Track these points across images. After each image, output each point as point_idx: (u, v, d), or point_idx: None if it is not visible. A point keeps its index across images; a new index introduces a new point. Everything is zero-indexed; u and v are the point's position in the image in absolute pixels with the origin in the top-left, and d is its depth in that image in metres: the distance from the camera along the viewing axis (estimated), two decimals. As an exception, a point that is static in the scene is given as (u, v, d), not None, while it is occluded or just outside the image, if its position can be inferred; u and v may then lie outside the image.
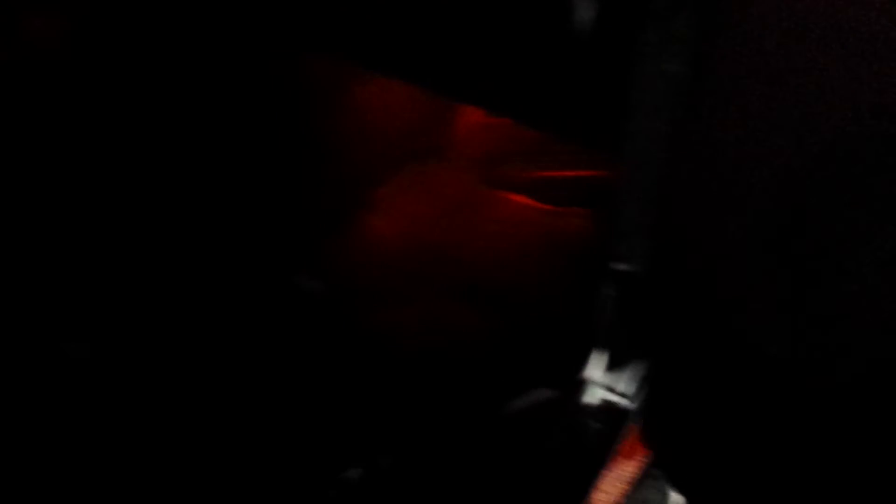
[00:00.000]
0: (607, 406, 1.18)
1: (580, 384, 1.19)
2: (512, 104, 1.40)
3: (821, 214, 0.96)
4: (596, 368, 1.19)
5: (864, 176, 0.92)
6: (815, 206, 0.96)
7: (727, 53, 0.99)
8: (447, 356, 1.37)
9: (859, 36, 0.91)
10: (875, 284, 0.92)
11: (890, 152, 0.90)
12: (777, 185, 0.97)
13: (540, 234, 1.54)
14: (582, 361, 1.20)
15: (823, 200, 0.96)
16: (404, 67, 1.45)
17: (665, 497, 1.22)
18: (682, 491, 1.21)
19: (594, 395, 1.18)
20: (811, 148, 0.95)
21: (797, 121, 0.96)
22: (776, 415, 1.05)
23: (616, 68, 1.13)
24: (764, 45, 0.96)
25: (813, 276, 0.97)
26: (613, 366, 1.18)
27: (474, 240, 1.56)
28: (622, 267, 1.11)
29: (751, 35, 0.98)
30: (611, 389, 1.17)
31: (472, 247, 1.55)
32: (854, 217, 0.93)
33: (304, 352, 1.41)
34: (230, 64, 1.56)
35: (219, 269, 1.48)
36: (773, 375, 1.03)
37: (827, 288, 0.96)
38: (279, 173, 1.57)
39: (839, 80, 0.93)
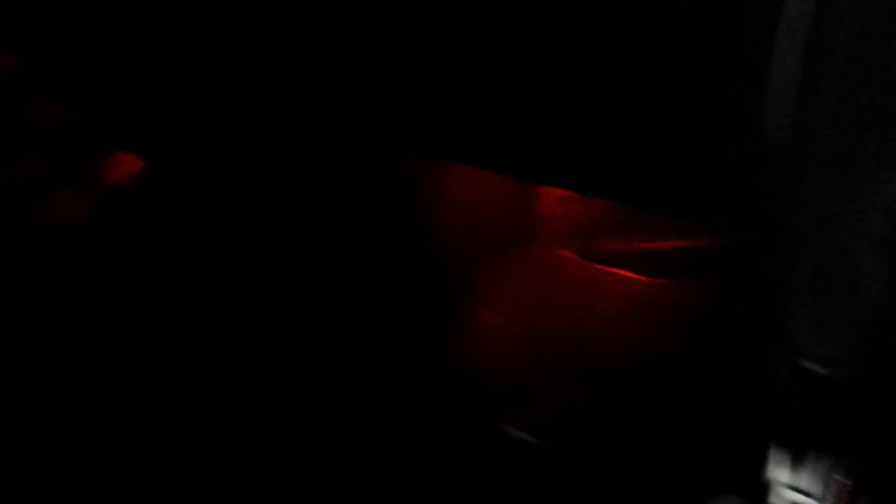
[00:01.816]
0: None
1: (764, 487, 1.16)
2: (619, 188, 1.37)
3: None
4: (779, 467, 1.17)
5: None
6: None
7: None
8: (600, 455, 1.33)
9: None
10: None
11: None
12: None
13: (656, 310, 1.52)
14: (759, 459, 1.18)
15: None
16: (496, 157, 1.41)
17: None
18: None
19: (782, 499, 1.15)
20: None
21: None
22: None
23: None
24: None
25: None
26: (798, 463, 1.15)
27: (587, 321, 1.52)
28: (818, 369, 1.08)
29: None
30: (799, 491, 1.15)
31: (586, 329, 1.51)
32: None
33: (440, 455, 1.36)
34: (327, 165, 1.49)
35: (334, 374, 1.42)
36: None
37: None
38: (380, 271, 1.51)
39: None
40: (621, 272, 1.57)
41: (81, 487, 1.30)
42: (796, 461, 1.18)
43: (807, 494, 1.18)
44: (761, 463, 1.19)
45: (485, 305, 1.53)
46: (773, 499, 1.18)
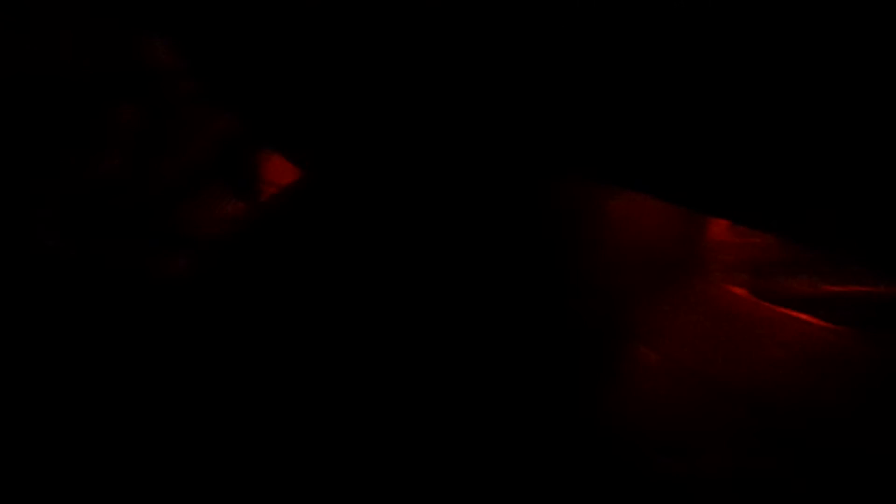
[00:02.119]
0: None
1: None
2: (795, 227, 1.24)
3: None
4: None
5: None
6: None
7: None
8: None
9: None
10: None
11: None
12: None
13: (841, 361, 1.36)
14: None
15: None
16: (662, 183, 1.29)
17: None
18: None
19: None
20: None
21: None
22: None
23: None
24: None
25: None
26: None
27: (760, 369, 1.39)
28: None
29: None
30: None
31: (759, 378, 1.38)
32: None
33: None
34: (486, 186, 1.41)
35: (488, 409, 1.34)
36: None
37: None
38: (538, 302, 1.41)
39: None
40: (800, 315, 1.42)
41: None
42: None
43: None
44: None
45: (647, 345, 1.41)
46: None
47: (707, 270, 1.49)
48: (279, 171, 1.73)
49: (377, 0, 1.33)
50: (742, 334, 1.42)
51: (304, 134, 1.62)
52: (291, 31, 1.48)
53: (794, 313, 1.42)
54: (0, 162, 1.63)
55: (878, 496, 1.20)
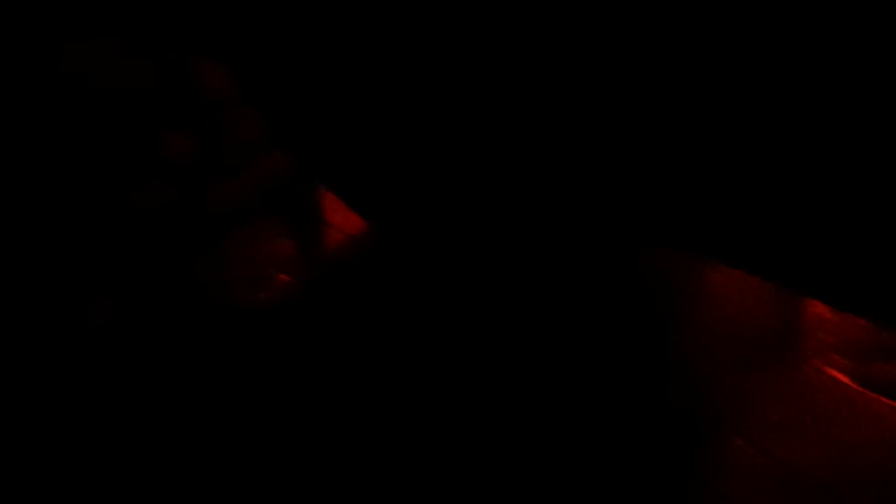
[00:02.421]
0: None
1: None
2: None
3: None
4: None
5: None
6: None
7: None
8: None
9: None
10: None
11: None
12: None
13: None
14: None
15: None
16: (764, 261, 1.17)
17: None
18: None
19: None
20: None
21: None
22: None
23: None
24: None
25: None
26: None
27: (862, 467, 1.26)
28: None
29: None
30: None
31: (860, 477, 1.25)
32: None
33: None
34: (572, 257, 1.29)
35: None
36: None
37: None
38: (621, 378, 1.30)
39: None
40: (909, 409, 1.30)
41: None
42: None
43: None
44: None
45: (739, 434, 1.29)
46: None
47: (805, 351, 1.36)
48: (339, 214, 1.63)
49: (461, 53, 1.22)
50: (840, 425, 1.29)
51: (373, 187, 1.51)
52: (359, 73, 1.38)
53: (903, 405, 1.30)
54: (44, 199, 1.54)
55: None
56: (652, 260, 1.34)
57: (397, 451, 1.29)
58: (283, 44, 1.50)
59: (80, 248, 1.54)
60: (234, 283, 1.60)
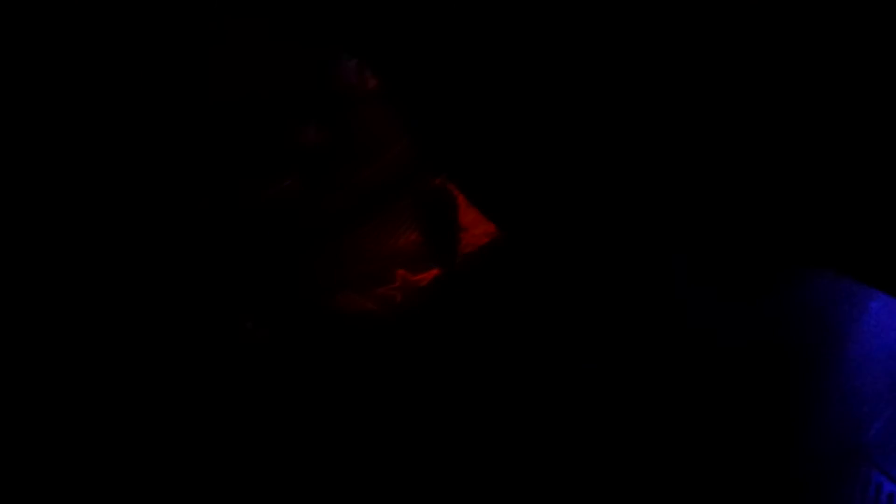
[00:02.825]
0: None
1: None
2: None
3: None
4: None
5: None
6: None
7: None
8: None
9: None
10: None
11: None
12: None
13: None
14: None
15: None
16: None
17: None
18: None
19: None
20: None
21: None
22: None
23: None
24: None
25: None
26: None
27: None
28: None
29: None
30: None
31: None
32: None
33: None
34: (725, 276, 1.24)
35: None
36: None
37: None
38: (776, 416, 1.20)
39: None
40: None
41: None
42: None
43: None
44: None
45: (885, 472, 1.17)
46: None
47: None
48: (469, 217, 1.61)
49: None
50: None
51: (504, 193, 1.48)
52: (492, 78, 1.37)
53: None
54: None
55: None
56: (812, 283, 1.27)
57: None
58: (421, 45, 1.51)
59: (227, 244, 1.57)
60: (354, 277, 1.58)
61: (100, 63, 1.48)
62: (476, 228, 1.57)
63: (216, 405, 1.36)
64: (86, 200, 1.49)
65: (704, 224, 1.21)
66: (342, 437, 1.31)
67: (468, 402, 1.31)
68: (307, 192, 1.70)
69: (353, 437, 1.31)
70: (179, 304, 1.50)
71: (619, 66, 1.18)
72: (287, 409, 1.37)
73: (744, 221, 1.17)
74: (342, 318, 1.51)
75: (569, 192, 1.37)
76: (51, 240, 1.45)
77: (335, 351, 1.45)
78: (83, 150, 1.49)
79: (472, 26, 1.35)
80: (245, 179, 1.66)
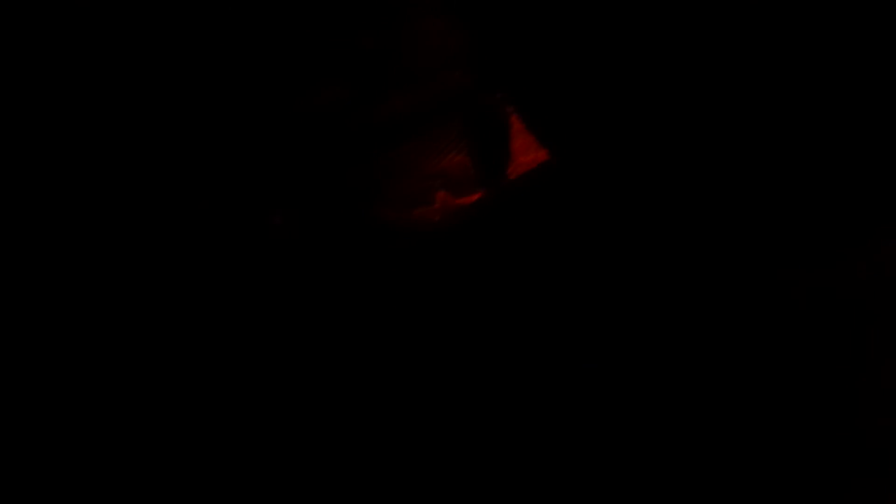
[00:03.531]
0: None
1: None
2: None
3: None
4: None
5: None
6: None
7: None
8: None
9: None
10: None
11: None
12: None
13: None
14: None
15: None
16: None
17: None
18: None
19: None
20: None
21: None
22: None
23: None
24: None
25: None
26: None
27: None
28: None
29: None
30: None
31: None
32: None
33: None
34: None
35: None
36: None
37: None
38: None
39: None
40: None
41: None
42: None
43: None
44: None
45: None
46: None
47: None
48: (520, 140, 1.53)
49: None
50: None
51: (558, 118, 1.40)
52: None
53: None
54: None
55: None
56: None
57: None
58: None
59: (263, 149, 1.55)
60: (394, 193, 1.56)
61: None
62: (525, 155, 1.51)
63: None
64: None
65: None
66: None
67: (471, 385, 1.33)
68: (357, 102, 1.65)
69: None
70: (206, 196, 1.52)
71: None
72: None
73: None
74: (375, 232, 1.51)
75: (634, 133, 1.32)
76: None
77: (360, 262, 1.48)
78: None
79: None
80: (297, 83, 1.62)
